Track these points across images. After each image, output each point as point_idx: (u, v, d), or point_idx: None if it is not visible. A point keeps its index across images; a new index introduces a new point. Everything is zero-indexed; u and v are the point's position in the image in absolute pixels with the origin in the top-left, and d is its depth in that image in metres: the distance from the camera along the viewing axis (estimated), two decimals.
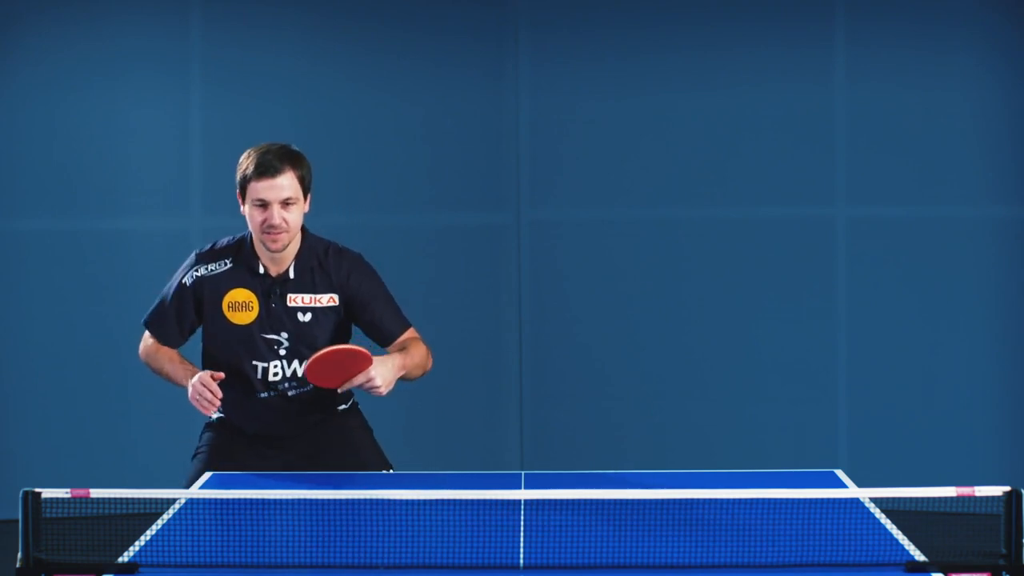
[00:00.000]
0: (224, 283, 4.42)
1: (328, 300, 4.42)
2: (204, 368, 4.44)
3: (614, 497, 3.54)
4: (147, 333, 4.57)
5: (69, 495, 3.27)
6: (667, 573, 3.22)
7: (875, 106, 7.08)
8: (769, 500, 3.48)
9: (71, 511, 3.33)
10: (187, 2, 7.06)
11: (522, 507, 3.66)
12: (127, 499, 3.33)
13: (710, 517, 3.57)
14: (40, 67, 7.05)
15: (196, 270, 4.46)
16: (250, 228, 4.39)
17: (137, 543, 3.40)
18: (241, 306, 4.40)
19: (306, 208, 4.41)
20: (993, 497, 3.23)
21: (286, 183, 4.33)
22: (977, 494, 3.25)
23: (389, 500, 3.62)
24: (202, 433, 4.58)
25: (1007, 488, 3.22)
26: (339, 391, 4.31)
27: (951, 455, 7.09)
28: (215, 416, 4.51)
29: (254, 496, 3.69)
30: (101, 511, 3.36)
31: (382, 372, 4.24)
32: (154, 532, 3.54)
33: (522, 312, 7.17)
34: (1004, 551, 3.18)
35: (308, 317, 4.40)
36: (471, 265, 7.17)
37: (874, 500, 3.73)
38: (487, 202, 7.15)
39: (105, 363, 7.10)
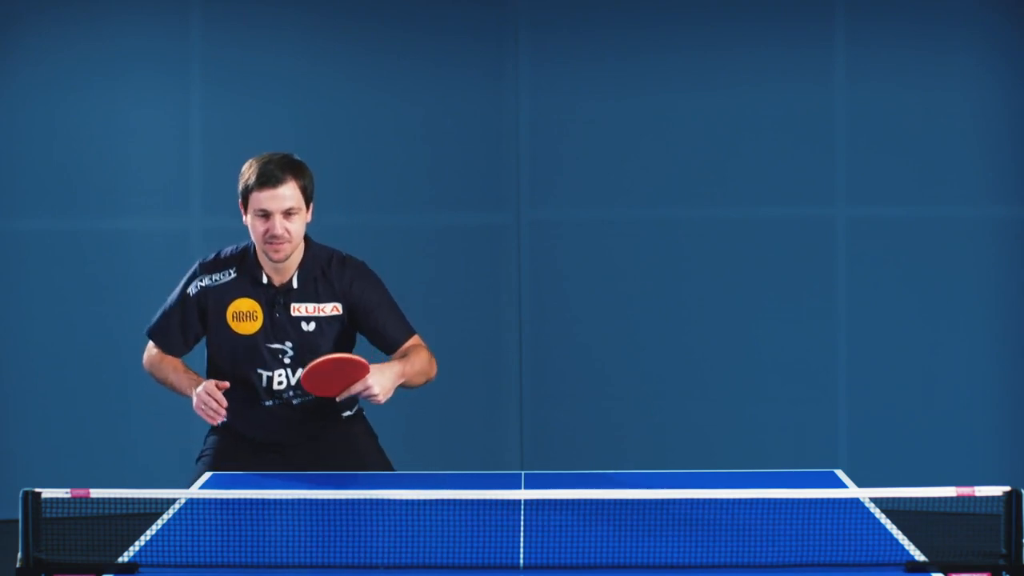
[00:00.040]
0: (228, 293, 4.42)
1: (332, 309, 4.42)
2: (209, 377, 4.45)
3: (614, 497, 3.54)
4: (151, 343, 4.57)
5: (69, 495, 3.27)
6: (667, 573, 3.22)
7: (875, 106, 7.08)
8: (769, 500, 3.48)
9: (71, 511, 3.33)
10: (187, 2, 7.06)
11: (522, 507, 3.66)
12: (127, 499, 3.34)
13: (710, 517, 3.57)
14: (40, 67, 7.05)
15: (200, 280, 4.46)
16: (252, 238, 4.39)
17: (137, 543, 3.40)
18: (245, 316, 4.41)
19: (309, 218, 4.40)
20: (993, 497, 3.23)
21: (288, 193, 4.32)
22: (977, 494, 3.25)
23: (389, 500, 3.62)
24: (207, 436, 4.59)
25: (1007, 488, 3.22)
26: (337, 399, 4.30)
27: (951, 455, 7.09)
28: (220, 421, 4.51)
29: (254, 496, 3.69)
30: (101, 511, 3.36)
31: (380, 380, 4.23)
32: (154, 532, 3.54)
33: (522, 312, 7.17)
34: (1004, 551, 3.18)
35: (312, 326, 4.41)
36: (471, 265, 7.17)
37: (874, 500, 3.73)
38: (487, 202, 7.15)
39: (105, 363, 7.10)
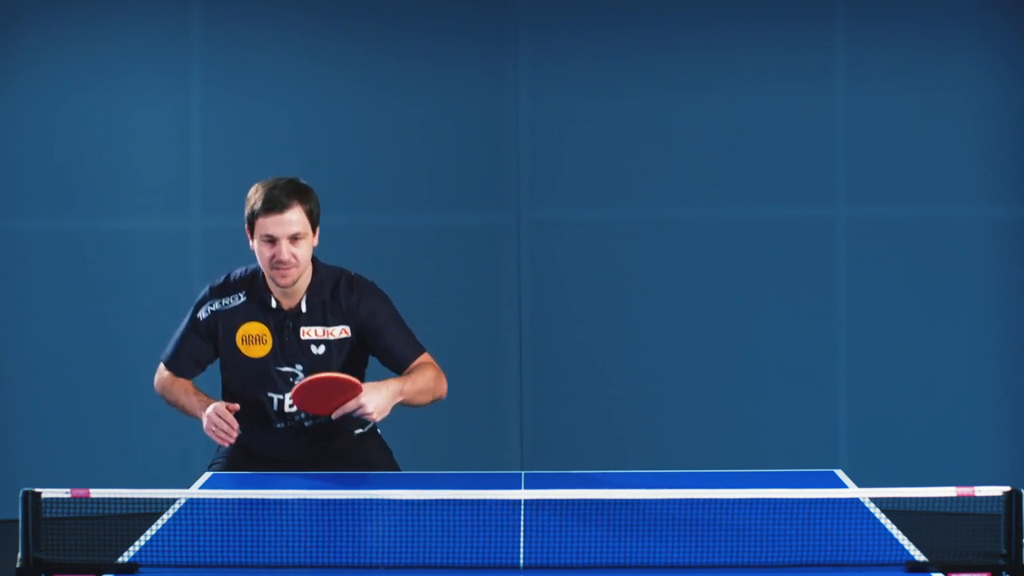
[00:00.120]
0: (238, 317, 4.44)
1: (340, 332, 4.42)
2: (224, 399, 4.46)
3: (614, 497, 3.54)
4: (162, 365, 4.59)
5: (69, 495, 3.27)
6: (667, 573, 3.22)
7: (875, 106, 7.08)
8: (769, 500, 3.48)
9: (71, 511, 3.33)
10: (187, 2, 7.06)
11: (522, 507, 3.66)
12: (127, 499, 3.34)
13: (710, 517, 3.57)
14: (40, 67, 7.05)
15: (210, 305, 4.47)
16: (259, 263, 4.39)
17: (137, 543, 3.40)
18: (255, 339, 4.42)
19: (315, 242, 4.40)
20: (993, 497, 3.23)
21: (294, 218, 4.31)
22: (977, 494, 3.25)
23: (389, 500, 3.62)
24: (219, 446, 4.58)
25: (1007, 488, 3.22)
26: (333, 418, 4.30)
27: (951, 455, 7.09)
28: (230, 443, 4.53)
29: (254, 496, 3.69)
30: (101, 511, 3.36)
31: (374, 399, 4.22)
32: (154, 532, 3.55)
33: (522, 312, 7.17)
34: (1004, 551, 3.18)
35: (322, 349, 4.41)
36: (471, 265, 7.17)
37: (874, 500, 3.73)
38: (487, 202, 7.15)
39: (105, 363, 7.10)
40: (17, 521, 3.25)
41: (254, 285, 4.44)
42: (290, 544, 3.46)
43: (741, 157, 7.10)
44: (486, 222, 7.16)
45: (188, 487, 4.07)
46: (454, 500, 3.57)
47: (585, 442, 7.16)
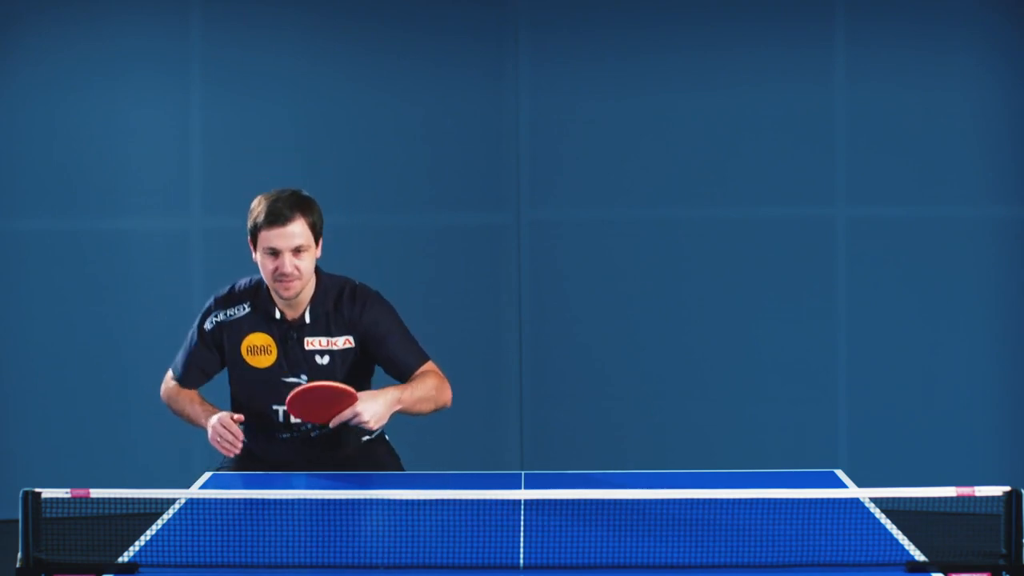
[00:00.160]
0: (242, 328, 4.44)
1: (344, 342, 4.42)
2: (233, 410, 4.47)
3: (614, 497, 3.54)
4: (168, 374, 4.60)
5: (69, 495, 3.27)
6: (667, 573, 3.22)
7: (875, 106, 7.08)
8: (769, 500, 3.48)
9: (71, 511, 3.33)
10: (187, 2, 7.06)
11: (522, 507, 3.66)
12: (127, 499, 3.34)
13: (710, 517, 3.57)
14: (40, 67, 7.05)
15: (215, 315, 4.48)
16: (262, 275, 4.39)
17: (137, 543, 3.40)
18: (260, 350, 4.43)
19: (318, 253, 4.40)
20: (993, 497, 3.23)
21: (297, 231, 4.31)
22: (977, 494, 3.25)
23: (389, 500, 3.62)
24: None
25: (1007, 488, 3.22)
26: (331, 426, 4.30)
27: (951, 455, 7.09)
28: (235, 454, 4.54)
29: (254, 496, 3.70)
30: (101, 511, 3.36)
31: (370, 407, 4.22)
32: (154, 532, 3.55)
33: (522, 312, 7.17)
34: (1004, 551, 3.18)
35: (326, 360, 4.41)
36: (471, 265, 7.17)
37: (874, 500, 3.73)
38: (487, 202, 7.15)
39: (105, 363, 7.10)
40: (17, 521, 3.25)
41: (258, 296, 4.44)
42: (290, 544, 3.46)
43: (741, 157, 7.10)
44: (486, 222, 7.16)
45: (188, 487, 4.07)
46: (454, 500, 3.57)
47: (585, 442, 7.16)
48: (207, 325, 4.48)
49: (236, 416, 4.32)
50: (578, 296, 7.17)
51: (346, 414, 4.21)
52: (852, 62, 7.07)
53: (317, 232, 4.37)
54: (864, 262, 7.11)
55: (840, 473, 4.30)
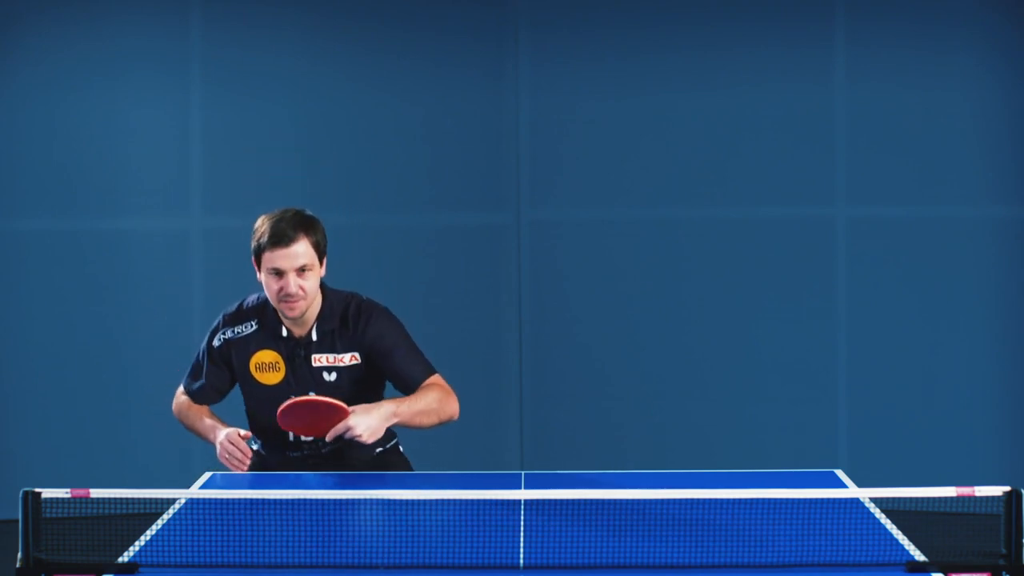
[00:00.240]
0: (250, 345, 4.45)
1: (350, 359, 4.42)
2: (250, 426, 4.49)
3: (614, 497, 3.54)
4: (180, 389, 4.61)
5: (69, 495, 3.27)
6: (667, 573, 3.22)
7: (875, 106, 7.08)
8: (769, 500, 3.48)
9: (71, 511, 3.33)
10: (187, 2, 7.06)
11: (522, 507, 3.66)
12: (127, 499, 3.34)
13: (710, 517, 3.57)
14: (40, 67, 7.05)
15: (223, 333, 4.49)
16: (267, 295, 4.39)
17: (137, 543, 3.40)
18: (268, 367, 4.43)
19: (323, 272, 4.39)
20: (993, 497, 3.23)
21: (301, 250, 4.31)
22: (977, 494, 3.25)
23: (389, 500, 3.62)
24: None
25: (1007, 488, 3.22)
26: (327, 439, 4.29)
27: (951, 455, 7.09)
28: (254, 446, 4.54)
29: (254, 496, 3.69)
30: (101, 511, 3.36)
31: (364, 421, 4.21)
32: (154, 532, 3.55)
33: (522, 312, 7.17)
34: (1004, 551, 3.18)
35: (333, 376, 4.41)
36: (471, 265, 7.17)
37: (874, 500, 3.73)
38: (487, 202, 7.15)
39: (105, 363, 7.10)
40: (17, 521, 3.25)
41: (265, 314, 4.44)
42: (290, 544, 3.46)
43: (741, 157, 7.10)
44: (486, 222, 7.16)
45: (188, 487, 4.07)
46: (454, 500, 3.57)
47: (585, 442, 7.16)
48: (215, 342, 4.49)
49: (243, 433, 4.35)
50: (578, 296, 7.17)
51: (339, 428, 4.20)
52: (852, 62, 7.07)
53: (321, 251, 4.36)
54: (864, 262, 7.11)
55: (840, 473, 4.30)
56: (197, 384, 4.55)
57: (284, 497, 3.70)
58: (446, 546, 3.34)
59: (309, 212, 4.39)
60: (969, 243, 7.10)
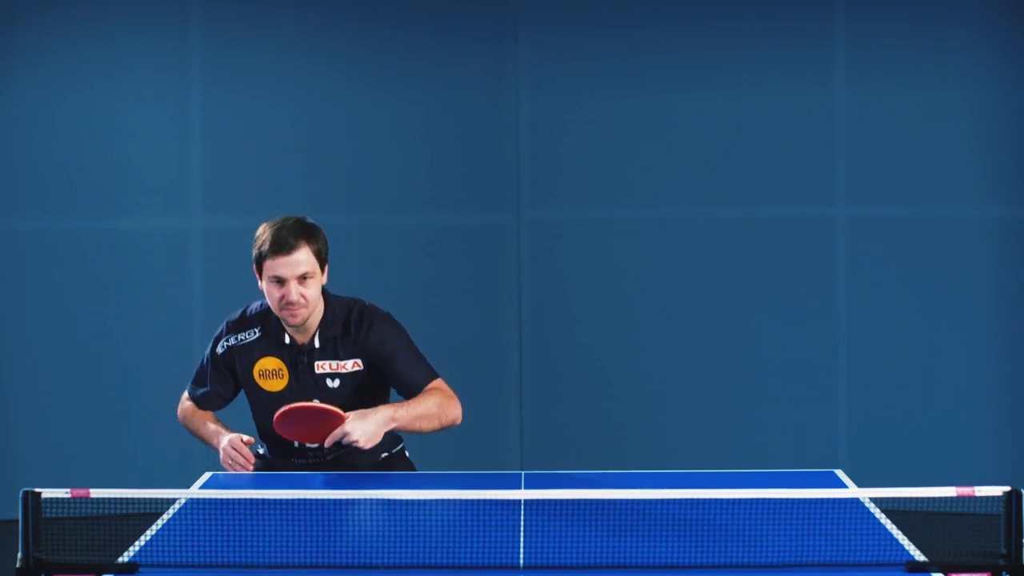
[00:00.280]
0: (254, 352, 4.46)
1: (352, 365, 4.42)
2: (258, 432, 4.49)
3: (614, 497, 3.54)
4: (184, 395, 4.62)
5: (69, 495, 3.27)
6: (667, 573, 3.22)
7: (875, 106, 7.08)
8: (769, 500, 3.48)
9: (71, 511, 3.33)
10: (187, 2, 7.06)
11: (522, 507, 3.66)
12: (127, 499, 3.34)
13: (710, 517, 3.57)
14: (40, 67, 7.05)
15: (227, 340, 4.50)
16: (268, 303, 4.39)
17: (137, 543, 3.40)
18: (271, 374, 4.44)
19: (324, 279, 4.39)
20: (993, 497, 3.23)
21: (302, 258, 4.31)
22: (977, 494, 3.25)
23: (389, 500, 3.62)
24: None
25: (1007, 488, 3.22)
26: (325, 446, 4.30)
27: (951, 455, 7.09)
28: (261, 451, 4.54)
29: (254, 496, 3.69)
30: (101, 511, 3.36)
31: (361, 426, 4.20)
32: (154, 532, 3.55)
33: (522, 312, 7.17)
34: (1004, 551, 3.18)
35: (336, 383, 4.41)
36: (471, 265, 7.17)
37: (874, 500, 3.73)
38: (487, 202, 7.15)
39: (105, 363, 7.10)
40: (17, 521, 3.25)
41: (268, 321, 4.45)
42: (290, 544, 3.46)
43: (741, 157, 7.10)
44: (486, 222, 7.16)
45: (188, 487, 4.07)
46: (454, 500, 3.57)
47: (585, 442, 7.16)
48: (219, 349, 4.50)
49: (246, 438, 4.35)
50: (578, 296, 7.17)
51: (335, 434, 4.20)
52: (852, 62, 7.07)
53: (322, 259, 4.36)
54: (864, 262, 7.11)
55: (840, 473, 4.30)
56: (201, 390, 4.56)
57: (284, 497, 3.70)
58: (446, 546, 3.34)
59: (310, 220, 4.40)
60: (969, 243, 7.10)
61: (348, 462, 4.45)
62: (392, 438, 4.55)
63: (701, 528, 3.49)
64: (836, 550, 3.31)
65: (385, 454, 4.55)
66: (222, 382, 4.52)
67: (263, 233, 4.34)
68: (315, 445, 4.38)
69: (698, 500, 3.58)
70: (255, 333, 4.46)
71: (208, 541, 3.34)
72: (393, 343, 4.41)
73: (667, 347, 7.15)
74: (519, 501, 3.68)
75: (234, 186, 7.08)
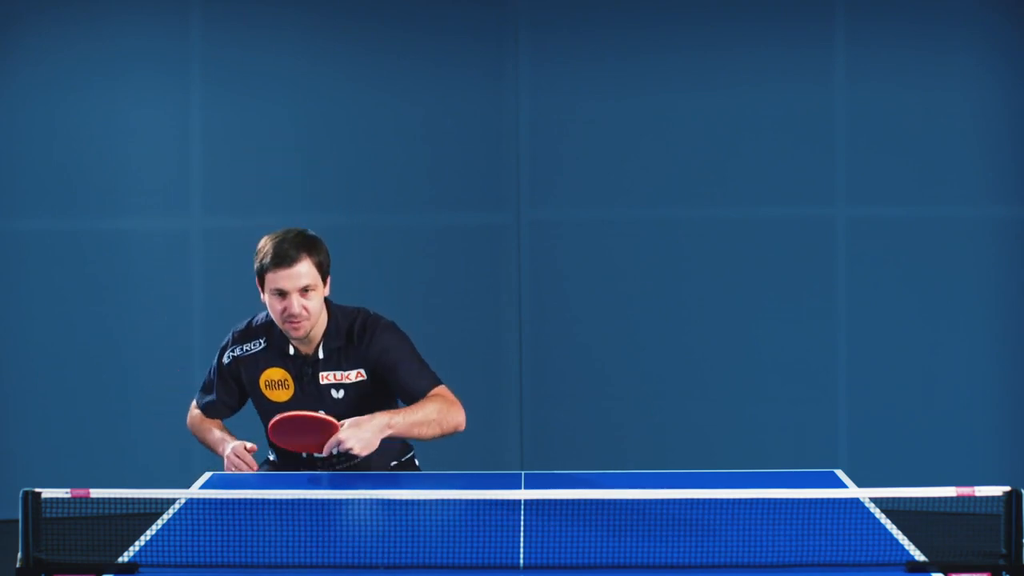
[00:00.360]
0: (259, 363, 4.47)
1: (356, 375, 4.42)
2: (268, 441, 4.49)
3: (614, 497, 3.54)
4: (193, 403, 4.64)
5: (69, 495, 3.27)
6: (667, 573, 3.22)
7: (875, 106, 7.08)
8: (769, 500, 3.48)
9: (71, 511, 3.33)
10: (187, 2, 7.06)
11: (522, 507, 3.66)
12: (127, 499, 3.34)
13: (710, 517, 3.57)
14: (40, 67, 7.05)
15: (232, 351, 4.51)
16: (271, 316, 4.39)
17: (137, 543, 3.40)
18: (277, 384, 4.45)
19: (326, 291, 4.39)
20: (993, 497, 3.23)
21: (304, 271, 4.31)
22: (977, 494, 3.25)
23: (389, 500, 3.62)
24: (261, 465, 4.58)
25: (1007, 488, 3.22)
26: (323, 454, 4.29)
27: (951, 455, 7.09)
28: (271, 457, 4.55)
29: (254, 496, 3.69)
30: (101, 511, 3.36)
31: (356, 434, 4.20)
32: (154, 532, 3.55)
33: (522, 312, 7.17)
34: (1004, 551, 3.18)
35: (341, 394, 4.42)
36: (471, 265, 7.17)
37: (874, 500, 3.73)
38: (487, 202, 7.15)
39: (105, 363, 7.10)
40: (17, 521, 3.25)
41: (272, 332, 4.45)
42: (290, 544, 3.46)
43: (741, 157, 7.10)
44: (486, 222, 7.16)
45: (188, 487, 4.07)
46: (454, 500, 3.57)
47: (585, 442, 7.16)
48: (225, 359, 4.52)
49: (249, 445, 4.36)
50: (578, 296, 7.17)
51: (331, 443, 4.20)
52: (852, 62, 7.07)
53: (324, 271, 4.37)
54: (864, 262, 7.11)
55: (840, 473, 4.30)
56: (208, 399, 4.58)
57: (284, 497, 3.70)
58: (446, 546, 3.34)
59: (311, 232, 4.39)
60: (969, 243, 7.10)
61: (358, 469, 4.45)
62: (402, 446, 4.55)
63: (701, 528, 3.49)
64: (836, 550, 3.31)
65: (394, 463, 4.55)
66: (228, 392, 4.53)
67: (264, 246, 4.34)
68: (324, 455, 4.38)
69: (698, 500, 3.58)
70: (260, 344, 4.47)
71: (208, 541, 3.34)
72: (396, 352, 4.40)
73: (667, 347, 7.15)
74: (519, 501, 3.68)
75: (234, 186, 7.08)
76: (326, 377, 4.41)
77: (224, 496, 3.71)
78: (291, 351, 4.43)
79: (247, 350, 4.48)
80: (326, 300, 4.40)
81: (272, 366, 4.45)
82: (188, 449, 6.88)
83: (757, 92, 7.09)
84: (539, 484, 4.17)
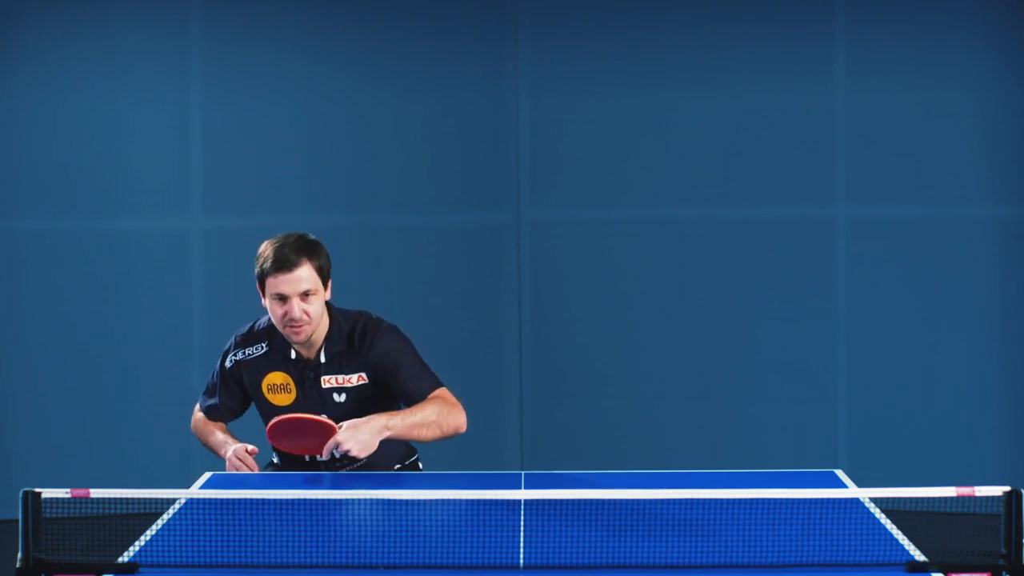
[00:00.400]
0: (261, 367, 4.47)
1: (358, 379, 4.42)
2: (272, 447, 4.50)
3: (614, 497, 3.54)
4: (197, 406, 4.65)
5: (69, 495, 3.27)
6: (667, 573, 3.22)
7: (875, 106, 7.08)
8: (769, 500, 3.48)
9: (71, 511, 3.33)
10: (187, 2, 7.06)
11: (522, 507, 3.66)
12: (127, 499, 3.34)
13: (710, 517, 3.57)
14: (40, 67, 7.05)
15: (235, 354, 4.52)
16: (272, 320, 4.39)
17: (137, 543, 3.40)
18: (280, 388, 4.45)
19: (327, 296, 4.39)
20: (993, 497, 3.23)
21: (304, 275, 4.32)
22: (977, 494, 3.25)
23: (389, 500, 3.62)
24: (264, 467, 4.59)
25: (1007, 488, 3.22)
26: (322, 457, 4.29)
27: (951, 455, 7.09)
28: (275, 460, 4.55)
29: (254, 496, 3.69)
30: (101, 511, 3.36)
31: (354, 436, 4.19)
32: (154, 532, 3.55)
33: (522, 312, 7.17)
34: (1004, 551, 3.18)
35: (343, 398, 4.42)
36: (471, 265, 7.17)
37: (874, 500, 3.73)
38: (487, 202, 7.15)
39: (105, 363, 7.10)
40: (17, 521, 3.25)
41: (274, 336, 4.46)
42: (290, 544, 3.46)
43: (741, 157, 7.10)
44: (486, 222, 7.16)
45: (188, 487, 4.07)
46: (454, 500, 3.57)
47: (585, 442, 7.16)
48: (228, 363, 4.53)
49: (251, 448, 4.36)
50: (578, 296, 7.17)
51: (329, 445, 4.20)
52: (852, 62, 7.07)
53: (325, 275, 4.37)
54: (864, 262, 7.11)
55: (840, 473, 4.30)
56: (211, 402, 4.59)
57: (284, 497, 3.70)
58: (446, 546, 3.34)
59: (312, 236, 4.39)
60: (969, 243, 7.10)
61: (363, 472, 4.45)
62: (406, 449, 4.56)
63: (701, 528, 3.49)
64: (836, 550, 3.31)
65: (398, 465, 4.55)
66: (231, 396, 4.54)
67: (265, 251, 4.35)
68: (327, 458, 4.38)
69: (698, 500, 3.58)
70: (262, 348, 4.47)
71: (208, 541, 3.35)
72: (397, 355, 4.40)
73: (667, 347, 7.15)
74: (519, 501, 3.68)
75: (234, 186, 7.08)
76: (328, 381, 4.41)
77: (224, 496, 3.71)
78: (293, 355, 4.43)
79: (249, 354, 4.48)
80: (327, 304, 4.41)
81: (274, 370, 4.45)
82: (188, 449, 6.88)
83: (757, 92, 7.09)
84: (539, 484, 4.17)
